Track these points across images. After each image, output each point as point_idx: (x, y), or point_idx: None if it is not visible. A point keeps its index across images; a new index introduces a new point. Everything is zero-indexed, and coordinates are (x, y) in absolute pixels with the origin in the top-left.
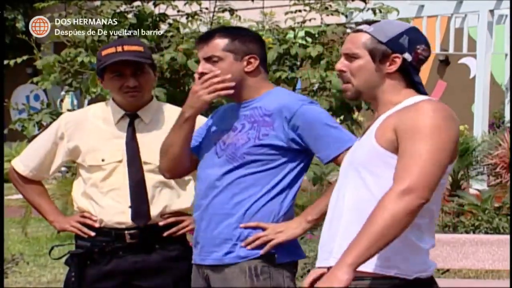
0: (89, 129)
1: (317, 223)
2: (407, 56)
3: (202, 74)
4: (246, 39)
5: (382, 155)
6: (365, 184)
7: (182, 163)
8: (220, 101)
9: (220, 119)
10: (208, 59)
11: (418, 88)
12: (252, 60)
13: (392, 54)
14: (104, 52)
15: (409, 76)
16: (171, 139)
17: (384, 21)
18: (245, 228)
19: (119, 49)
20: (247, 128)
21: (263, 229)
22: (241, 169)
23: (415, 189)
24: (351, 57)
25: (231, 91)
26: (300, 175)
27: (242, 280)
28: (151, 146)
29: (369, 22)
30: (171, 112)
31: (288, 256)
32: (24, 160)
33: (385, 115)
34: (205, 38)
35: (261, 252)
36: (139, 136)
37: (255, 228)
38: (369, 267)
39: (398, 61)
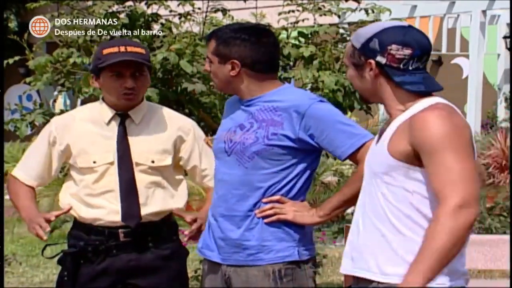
0: (78, 132)
1: (328, 220)
2: (380, 59)
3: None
4: (230, 43)
5: (397, 166)
6: (382, 195)
7: None
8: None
9: (227, 114)
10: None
11: (406, 88)
12: (234, 66)
13: (366, 61)
14: (105, 51)
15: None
16: None
17: (365, 26)
18: (267, 202)
19: (122, 49)
20: (255, 127)
21: (283, 203)
22: (253, 170)
23: (467, 203)
24: (346, 66)
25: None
26: (311, 175)
27: (266, 283)
28: (142, 146)
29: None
30: (161, 113)
31: (308, 253)
32: (25, 170)
33: (396, 122)
34: (206, 38)
35: (265, 220)
36: (130, 137)
37: (277, 201)
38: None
39: (373, 66)
